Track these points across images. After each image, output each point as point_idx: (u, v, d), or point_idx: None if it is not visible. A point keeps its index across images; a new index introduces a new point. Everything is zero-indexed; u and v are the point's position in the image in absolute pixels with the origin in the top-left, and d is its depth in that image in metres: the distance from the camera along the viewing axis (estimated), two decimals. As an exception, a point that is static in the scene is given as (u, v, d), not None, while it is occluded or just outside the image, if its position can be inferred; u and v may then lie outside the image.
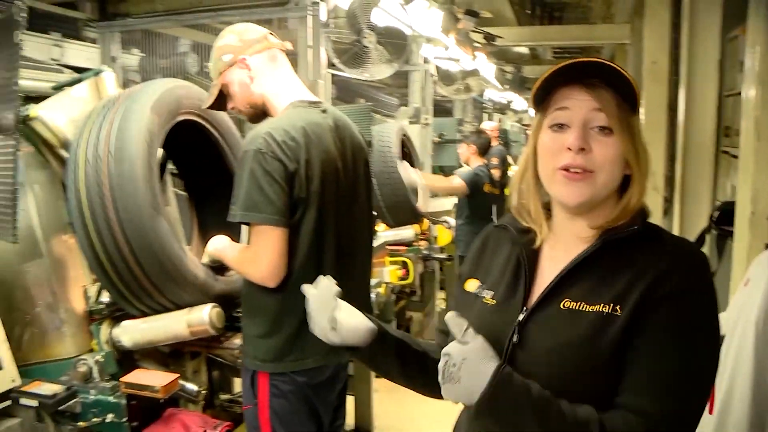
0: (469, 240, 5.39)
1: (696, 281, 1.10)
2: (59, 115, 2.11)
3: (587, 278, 1.14)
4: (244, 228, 2.30)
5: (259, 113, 2.10)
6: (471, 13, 5.04)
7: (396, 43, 3.67)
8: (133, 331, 2.10)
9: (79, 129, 2.04)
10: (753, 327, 2.24)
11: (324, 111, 2.08)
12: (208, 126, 2.40)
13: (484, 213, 5.50)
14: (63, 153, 2.10)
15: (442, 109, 8.07)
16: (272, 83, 2.07)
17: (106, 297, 2.12)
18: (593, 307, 1.10)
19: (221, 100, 2.12)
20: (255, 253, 1.91)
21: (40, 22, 4.00)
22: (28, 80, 2.49)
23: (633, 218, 1.16)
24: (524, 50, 9.96)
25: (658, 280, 1.07)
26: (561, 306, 1.14)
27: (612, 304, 1.09)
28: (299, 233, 1.93)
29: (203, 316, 2.02)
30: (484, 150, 5.68)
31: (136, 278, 1.97)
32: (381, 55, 3.64)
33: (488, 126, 8.29)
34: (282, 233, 1.88)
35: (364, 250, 2.21)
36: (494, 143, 7.52)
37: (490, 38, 6.16)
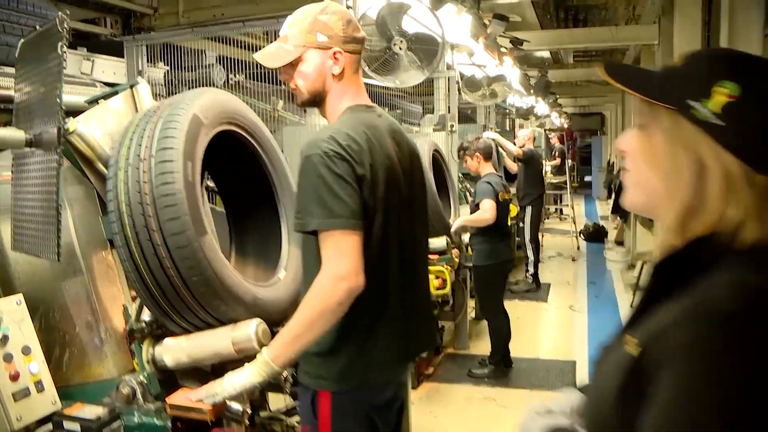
0: (484, 249, 5.26)
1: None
2: (96, 129, 2.05)
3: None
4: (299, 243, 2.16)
5: (313, 103, 1.98)
6: (499, 17, 4.96)
7: (427, 48, 3.60)
8: (175, 350, 2.03)
9: (117, 142, 1.98)
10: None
11: (380, 115, 1.99)
12: (247, 137, 2.31)
13: (498, 222, 5.21)
14: (100, 167, 2.05)
15: (462, 115, 8.00)
16: (345, 87, 1.95)
17: (147, 315, 2.06)
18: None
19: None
20: (335, 267, 1.72)
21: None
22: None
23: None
24: (546, 54, 9.87)
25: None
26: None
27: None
28: (366, 243, 1.78)
29: (249, 332, 1.94)
30: (489, 154, 5.45)
31: (180, 295, 1.90)
32: (412, 62, 3.58)
33: (523, 134, 8.23)
34: (361, 239, 1.75)
35: (423, 261, 2.11)
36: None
37: (517, 42, 6.08)
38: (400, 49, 3.53)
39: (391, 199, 1.86)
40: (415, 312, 1.85)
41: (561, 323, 7.04)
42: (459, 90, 6.63)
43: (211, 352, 2.00)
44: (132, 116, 2.13)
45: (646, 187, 1.01)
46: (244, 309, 2.00)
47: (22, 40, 2.02)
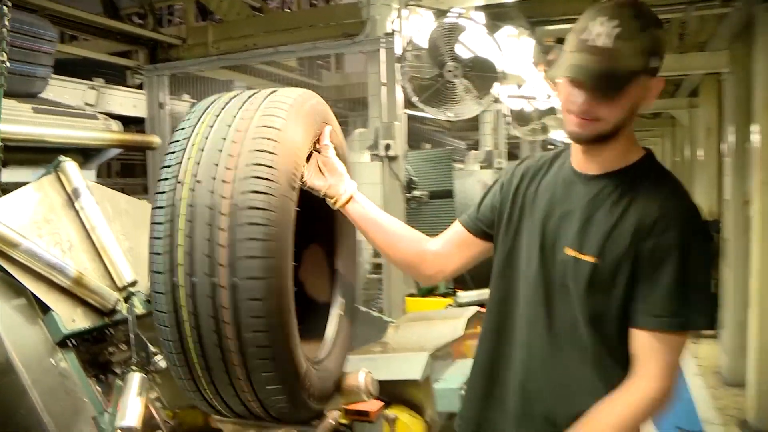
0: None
1: None
2: (13, 219, 1.71)
3: None
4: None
5: (602, 139, 1.43)
6: (563, 41, 4.47)
7: (484, 76, 3.13)
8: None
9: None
10: None
11: None
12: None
13: None
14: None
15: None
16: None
17: (127, 421, 1.58)
18: None
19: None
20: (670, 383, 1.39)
21: (87, 70, 3.67)
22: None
23: None
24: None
25: None
26: None
27: None
28: None
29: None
30: None
31: (231, 373, 1.37)
32: (467, 91, 3.12)
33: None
34: None
35: None
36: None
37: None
38: (455, 76, 3.07)
39: None
40: None
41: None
42: (507, 124, 6.22)
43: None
44: (58, 199, 1.86)
45: None
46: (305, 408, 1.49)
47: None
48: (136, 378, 1.67)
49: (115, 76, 4.01)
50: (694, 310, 1.35)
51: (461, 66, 3.11)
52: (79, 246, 1.85)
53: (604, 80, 1.31)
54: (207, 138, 1.39)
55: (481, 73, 3.12)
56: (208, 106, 1.48)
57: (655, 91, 1.40)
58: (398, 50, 3.16)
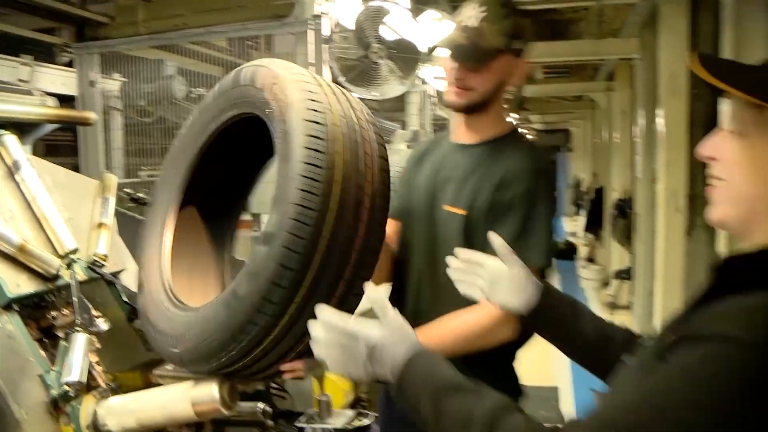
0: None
1: None
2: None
3: None
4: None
5: (476, 108, 1.70)
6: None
7: (408, 57, 3.30)
8: (122, 413, 1.68)
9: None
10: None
11: None
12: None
13: None
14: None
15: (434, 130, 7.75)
16: None
17: (72, 377, 1.70)
18: None
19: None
20: None
21: (10, 46, 3.65)
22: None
23: None
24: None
25: None
26: None
27: None
28: None
29: (212, 392, 1.60)
30: None
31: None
32: (391, 72, 3.28)
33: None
34: None
35: None
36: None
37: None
38: (380, 57, 3.22)
39: None
40: None
41: (540, 347, 6.76)
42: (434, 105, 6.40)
43: (164, 415, 1.65)
44: None
45: (746, 200, 0.90)
46: None
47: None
48: (80, 338, 1.77)
49: (43, 54, 3.97)
50: (533, 250, 1.58)
51: (386, 47, 3.27)
52: (20, 216, 1.92)
53: (471, 53, 1.59)
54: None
55: (405, 55, 3.29)
56: None
57: (522, 71, 1.70)
58: (326, 32, 3.28)
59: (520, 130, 1.81)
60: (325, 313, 1.12)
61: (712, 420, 0.75)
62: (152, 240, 1.82)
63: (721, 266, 0.92)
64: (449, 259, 1.41)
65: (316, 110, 1.36)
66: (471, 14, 1.60)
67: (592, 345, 1.26)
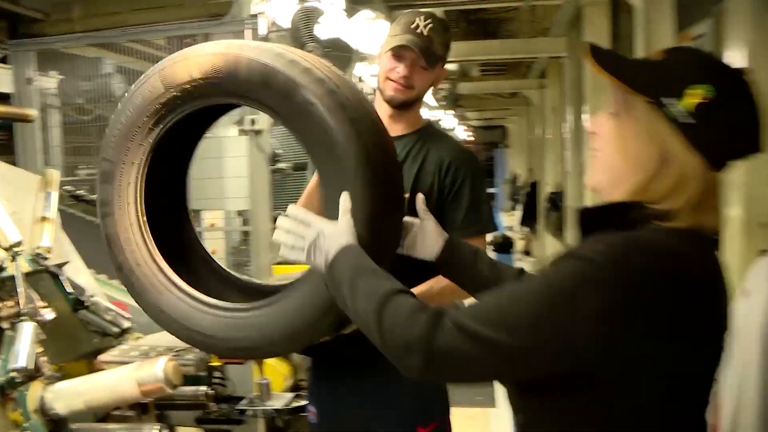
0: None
1: None
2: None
3: None
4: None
5: (410, 104, 1.92)
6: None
7: (342, 56, 3.43)
8: (69, 396, 1.76)
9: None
10: (758, 339, 2.17)
11: None
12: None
13: None
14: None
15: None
16: None
17: (20, 363, 1.76)
18: None
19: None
20: None
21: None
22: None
23: None
24: (454, 67, 9.91)
25: None
26: None
27: None
28: None
29: (156, 372, 1.70)
30: None
31: None
32: (327, 70, 3.39)
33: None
34: None
35: None
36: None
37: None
38: (315, 56, 3.33)
39: None
40: None
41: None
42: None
43: (112, 396, 1.74)
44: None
45: (612, 170, 1.08)
46: None
47: None
48: (26, 326, 1.83)
49: (-24, 51, 3.92)
50: (485, 219, 1.90)
51: (321, 46, 3.39)
52: (-36, 210, 1.98)
53: (424, 54, 1.81)
54: None
55: (339, 53, 3.42)
56: None
57: (442, 77, 1.97)
58: (263, 31, 3.36)
59: (432, 122, 2.11)
60: (293, 207, 1.34)
61: (549, 310, 0.96)
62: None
63: (581, 214, 1.12)
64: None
65: None
66: (421, 24, 1.83)
67: (489, 281, 1.43)
